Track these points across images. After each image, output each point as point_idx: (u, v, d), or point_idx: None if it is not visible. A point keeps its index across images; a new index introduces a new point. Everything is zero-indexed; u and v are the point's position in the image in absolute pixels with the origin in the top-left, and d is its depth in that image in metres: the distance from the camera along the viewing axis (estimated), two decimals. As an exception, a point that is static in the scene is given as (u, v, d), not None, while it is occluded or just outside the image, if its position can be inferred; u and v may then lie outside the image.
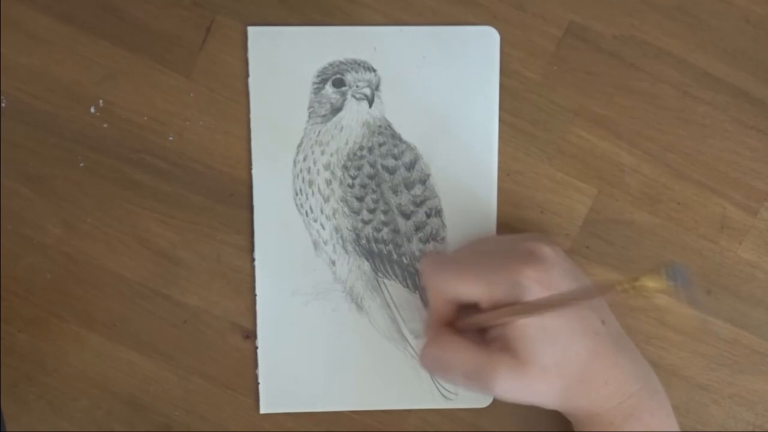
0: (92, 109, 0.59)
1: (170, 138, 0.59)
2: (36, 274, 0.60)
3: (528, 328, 0.50)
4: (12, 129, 0.59)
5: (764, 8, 0.59)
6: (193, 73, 0.59)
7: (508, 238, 0.58)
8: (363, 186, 0.59)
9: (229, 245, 0.60)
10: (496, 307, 0.51)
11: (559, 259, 0.52)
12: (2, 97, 0.59)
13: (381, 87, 0.59)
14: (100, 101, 0.59)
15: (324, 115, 0.59)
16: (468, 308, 0.54)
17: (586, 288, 0.51)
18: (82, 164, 0.60)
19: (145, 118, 0.59)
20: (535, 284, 0.50)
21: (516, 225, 0.60)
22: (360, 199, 0.59)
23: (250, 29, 0.58)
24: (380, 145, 0.59)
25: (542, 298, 0.49)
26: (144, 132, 0.59)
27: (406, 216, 0.60)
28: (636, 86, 0.59)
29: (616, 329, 0.55)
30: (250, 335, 0.61)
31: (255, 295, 0.60)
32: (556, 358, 0.51)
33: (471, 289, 0.52)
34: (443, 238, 0.60)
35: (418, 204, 0.60)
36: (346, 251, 0.60)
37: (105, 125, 0.59)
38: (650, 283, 0.42)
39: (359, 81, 0.59)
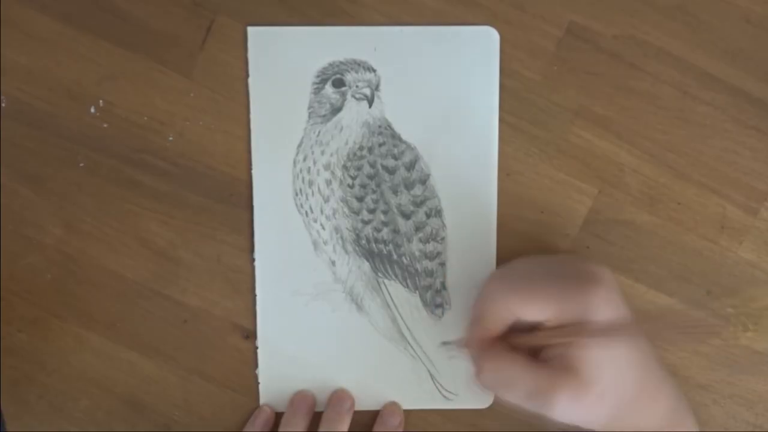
0: (92, 109, 0.59)
1: (170, 138, 0.59)
2: (36, 274, 0.60)
3: (592, 349, 0.50)
4: (12, 129, 0.59)
5: (764, 8, 0.59)
6: (193, 73, 0.59)
7: (563, 259, 0.58)
8: (363, 186, 0.59)
9: (229, 245, 0.60)
10: (560, 326, 0.51)
11: (614, 280, 0.53)
12: (2, 97, 0.59)
13: (381, 87, 0.59)
14: (100, 101, 0.59)
15: (324, 115, 0.59)
16: (518, 326, 0.54)
17: (667, 320, 0.51)
18: (82, 164, 0.60)
19: (145, 118, 0.59)
20: (604, 304, 0.50)
21: (516, 225, 0.60)
22: (360, 200, 0.59)
23: (250, 29, 0.58)
24: (380, 145, 0.59)
25: (611, 322, 0.50)
26: (144, 132, 0.59)
27: (406, 216, 0.60)
28: (636, 86, 0.59)
29: (654, 350, 0.55)
30: (250, 335, 0.61)
31: (255, 295, 0.60)
32: (615, 380, 0.50)
33: (542, 310, 0.51)
34: (443, 238, 0.60)
35: (418, 204, 0.60)
36: (346, 251, 0.60)
37: (105, 125, 0.59)
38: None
39: (359, 81, 0.59)
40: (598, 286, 0.50)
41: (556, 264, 0.55)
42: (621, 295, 0.52)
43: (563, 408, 0.50)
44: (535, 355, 0.53)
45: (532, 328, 0.53)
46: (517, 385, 0.52)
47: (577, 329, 0.50)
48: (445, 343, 0.61)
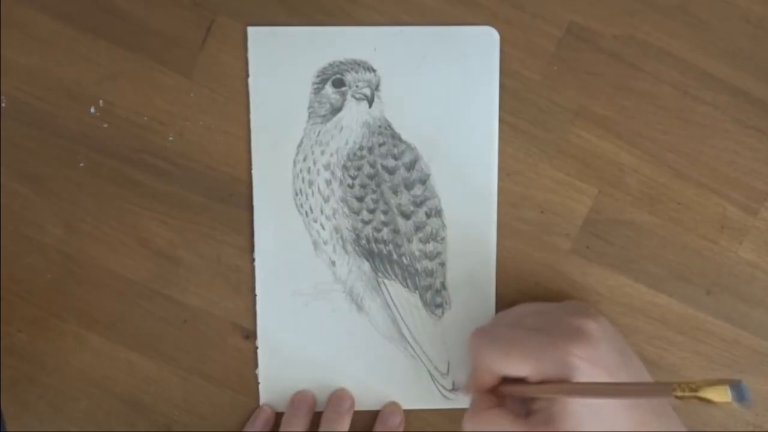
0: (92, 109, 0.59)
1: (170, 138, 0.59)
2: (36, 274, 0.60)
3: (573, 404, 0.50)
4: (12, 129, 0.59)
5: (764, 8, 0.59)
6: (193, 73, 0.59)
7: (554, 307, 0.58)
8: (363, 186, 0.59)
9: (229, 245, 0.60)
10: (544, 381, 0.51)
11: (605, 332, 0.53)
12: (2, 97, 0.59)
13: (381, 87, 0.59)
14: (100, 101, 0.59)
15: (324, 115, 0.59)
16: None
17: (641, 386, 0.50)
18: (82, 164, 0.60)
19: (145, 118, 0.59)
20: (583, 362, 0.49)
21: (516, 225, 0.60)
22: (360, 200, 0.59)
23: (250, 29, 0.58)
24: (380, 145, 0.59)
25: (592, 384, 0.49)
26: (144, 132, 0.59)
27: (406, 216, 0.60)
28: (636, 86, 0.59)
29: (659, 400, 0.55)
30: (250, 335, 0.61)
31: (255, 295, 0.60)
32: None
33: (519, 367, 0.52)
34: (443, 238, 0.60)
35: (418, 204, 0.60)
36: (346, 251, 0.60)
37: (105, 125, 0.59)
38: (713, 397, 0.41)
39: (359, 81, 0.59)
40: (574, 344, 0.50)
41: (540, 318, 0.56)
42: (615, 344, 0.53)
43: None
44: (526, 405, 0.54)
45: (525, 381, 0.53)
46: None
47: (557, 387, 0.50)
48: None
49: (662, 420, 0.53)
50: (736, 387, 0.41)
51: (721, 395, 0.41)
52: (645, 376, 0.55)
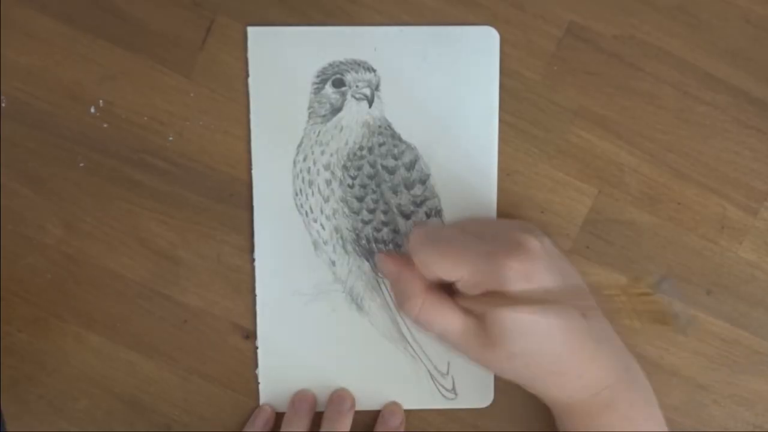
0: (92, 109, 0.59)
1: (170, 138, 0.59)
2: (36, 274, 0.60)
3: (504, 318, 0.50)
4: (12, 129, 0.59)
5: (764, 8, 0.59)
6: (193, 73, 0.59)
7: (500, 223, 0.58)
8: (363, 186, 0.59)
9: (229, 245, 0.60)
10: (474, 289, 0.51)
11: (546, 252, 0.52)
12: (2, 97, 0.59)
13: (381, 87, 0.59)
14: (100, 101, 0.59)
15: (324, 116, 0.59)
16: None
17: (569, 289, 0.51)
18: (82, 164, 0.60)
19: (145, 118, 0.59)
20: (517, 275, 0.49)
21: (516, 225, 0.60)
22: (360, 200, 0.59)
23: (250, 29, 0.58)
24: (380, 145, 0.59)
25: (523, 293, 0.49)
26: (144, 132, 0.59)
27: (406, 216, 0.60)
28: (636, 86, 0.59)
29: (599, 324, 0.55)
30: (250, 335, 0.61)
31: (255, 295, 0.60)
32: (527, 349, 0.51)
33: (453, 270, 0.51)
34: (443, 238, 0.60)
35: (418, 204, 0.60)
36: (346, 251, 0.60)
37: (105, 125, 0.59)
38: (639, 291, 0.41)
39: (359, 81, 0.59)
40: (511, 257, 0.49)
41: (484, 227, 0.55)
42: (556, 266, 0.52)
43: (470, 356, 0.53)
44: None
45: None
46: (433, 326, 0.53)
47: (487, 300, 0.50)
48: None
49: (600, 343, 0.53)
50: (663, 281, 0.40)
51: (647, 290, 0.40)
52: (589, 300, 0.55)
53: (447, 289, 0.53)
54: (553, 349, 0.51)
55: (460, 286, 0.51)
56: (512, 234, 0.52)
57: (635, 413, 0.54)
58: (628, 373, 0.55)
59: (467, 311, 0.52)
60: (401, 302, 0.54)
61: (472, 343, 0.52)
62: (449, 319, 0.52)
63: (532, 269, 0.49)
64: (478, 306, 0.51)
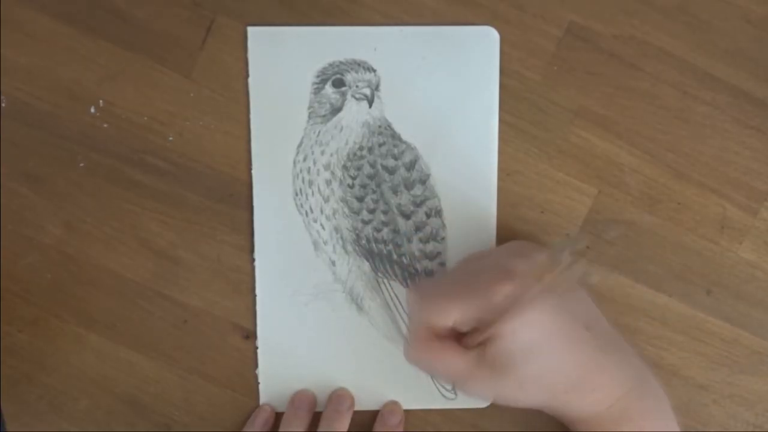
0: (92, 109, 0.59)
1: (170, 138, 0.59)
2: (36, 274, 0.60)
3: (504, 342, 0.50)
4: (12, 129, 0.59)
5: (764, 8, 0.59)
6: (193, 73, 0.59)
7: (493, 251, 0.58)
8: (363, 186, 0.59)
9: (229, 245, 0.60)
10: (474, 324, 0.51)
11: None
12: (2, 97, 0.59)
13: (381, 87, 0.59)
14: (100, 101, 0.59)
15: (324, 116, 0.59)
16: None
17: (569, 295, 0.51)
18: (82, 164, 0.60)
19: (145, 118, 0.59)
20: (507, 300, 0.49)
21: (516, 225, 0.60)
22: (360, 200, 0.59)
23: (250, 29, 0.58)
24: (380, 145, 0.59)
25: (503, 301, 0.49)
26: (144, 132, 0.59)
27: (406, 216, 0.60)
28: (636, 86, 0.59)
29: (604, 332, 0.55)
30: (250, 335, 0.61)
31: (255, 295, 0.60)
32: (534, 371, 0.51)
33: (444, 314, 0.51)
34: (443, 238, 0.60)
35: (418, 204, 0.60)
36: (346, 251, 0.60)
37: (105, 125, 0.59)
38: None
39: (359, 81, 0.59)
40: (500, 284, 0.50)
41: (483, 260, 0.55)
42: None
43: (482, 393, 0.53)
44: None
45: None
46: (439, 369, 0.53)
47: (486, 330, 0.50)
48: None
49: (608, 353, 0.53)
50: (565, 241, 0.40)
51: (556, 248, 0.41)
52: (598, 321, 0.55)
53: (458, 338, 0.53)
54: (561, 364, 0.51)
55: (460, 327, 0.52)
56: (499, 260, 0.52)
57: (649, 423, 0.54)
58: (640, 382, 0.54)
59: (468, 349, 0.52)
60: (406, 348, 0.55)
61: (481, 378, 0.52)
62: (449, 356, 0.52)
63: (522, 291, 0.49)
64: (478, 337, 0.51)
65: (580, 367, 0.52)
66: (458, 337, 0.53)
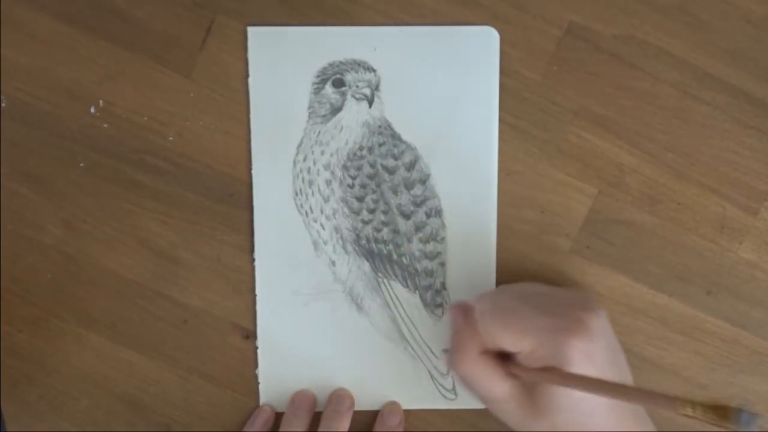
0: (92, 109, 0.59)
1: (170, 138, 0.59)
2: (36, 274, 0.60)
3: (555, 392, 0.50)
4: (12, 129, 0.59)
5: (764, 8, 0.59)
6: (193, 73, 0.59)
7: (561, 295, 0.57)
8: (363, 186, 0.59)
9: (229, 245, 0.60)
10: (531, 361, 0.51)
11: (604, 328, 0.52)
12: (2, 97, 0.59)
13: (381, 87, 0.59)
14: (100, 101, 0.59)
15: (324, 116, 0.59)
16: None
17: (643, 392, 0.49)
18: (82, 164, 0.60)
19: (145, 118, 0.59)
20: (579, 355, 0.49)
21: (516, 225, 0.60)
22: (360, 200, 0.59)
23: (250, 29, 0.58)
24: (380, 145, 0.59)
25: (586, 378, 0.49)
26: (144, 132, 0.59)
27: (406, 216, 0.60)
28: (636, 86, 0.59)
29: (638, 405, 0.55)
30: (250, 335, 0.61)
31: (255, 295, 0.60)
32: (572, 422, 0.51)
33: (516, 343, 0.52)
34: (443, 238, 0.60)
35: (418, 204, 0.60)
36: (346, 251, 0.60)
37: (105, 125, 0.59)
38: (719, 418, 0.40)
39: (359, 81, 0.59)
40: (578, 338, 0.50)
41: (548, 298, 0.55)
42: (609, 347, 0.52)
43: (508, 421, 0.54)
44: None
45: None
46: (476, 386, 0.54)
47: (546, 376, 0.50)
48: (445, 351, 0.61)
49: (640, 422, 0.53)
50: (746, 416, 0.40)
51: (726, 420, 0.40)
52: (628, 376, 0.55)
53: (502, 354, 0.54)
54: (597, 425, 0.51)
55: (520, 358, 0.52)
56: (575, 310, 0.52)
57: None
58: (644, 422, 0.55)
59: (514, 378, 0.53)
60: (452, 354, 0.55)
61: (515, 411, 0.53)
62: (496, 383, 0.53)
63: (593, 349, 0.50)
64: (533, 377, 0.52)
65: (616, 427, 0.52)
66: (503, 356, 0.54)
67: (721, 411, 0.40)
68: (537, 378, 0.51)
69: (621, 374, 0.53)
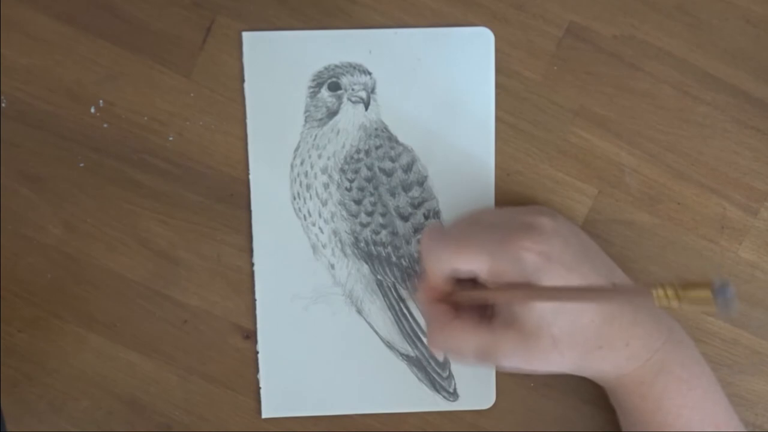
0: (92, 109, 0.59)
1: (170, 138, 0.60)
2: (36, 274, 0.61)
3: (534, 304, 0.49)
4: (12, 129, 0.59)
5: (764, 8, 0.58)
6: (193, 73, 0.59)
7: (511, 210, 0.57)
8: (360, 189, 0.59)
9: (229, 245, 0.60)
10: (496, 280, 0.50)
11: (562, 230, 0.51)
12: (2, 97, 0.59)
13: (377, 90, 0.59)
14: (100, 101, 0.59)
15: (320, 119, 0.59)
16: (464, 282, 0.53)
17: (611, 290, 0.49)
18: (82, 164, 0.60)
19: (145, 118, 0.59)
20: (536, 256, 0.48)
21: (515, 225, 0.60)
22: (358, 202, 0.59)
23: (245, 34, 0.58)
24: (377, 147, 0.59)
25: (554, 288, 0.48)
26: (144, 132, 0.60)
27: (405, 218, 0.60)
28: (636, 86, 0.59)
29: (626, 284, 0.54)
30: (250, 335, 0.61)
31: (255, 298, 0.60)
32: (566, 328, 0.50)
33: (470, 262, 0.50)
34: (442, 239, 0.60)
35: (416, 206, 0.60)
36: (345, 254, 0.60)
37: (105, 125, 0.59)
38: (696, 294, 0.39)
39: (355, 84, 0.59)
40: (527, 240, 0.49)
41: (493, 216, 0.55)
42: (579, 246, 0.52)
43: (513, 362, 0.51)
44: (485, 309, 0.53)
45: (476, 284, 0.52)
46: (464, 351, 0.52)
47: (514, 293, 0.50)
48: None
49: (641, 309, 0.53)
50: (722, 286, 0.38)
51: (704, 295, 0.38)
52: (616, 273, 0.54)
53: (477, 310, 0.53)
54: (592, 320, 0.50)
55: (481, 278, 0.51)
56: (523, 217, 0.52)
57: (688, 373, 0.54)
58: (673, 333, 0.54)
59: (493, 324, 0.52)
60: (429, 334, 0.54)
61: (511, 346, 0.50)
62: (472, 331, 0.51)
63: (548, 248, 0.49)
64: (507, 297, 0.51)
65: (610, 321, 0.51)
66: (478, 311, 0.53)
67: (694, 288, 0.39)
68: (509, 296, 0.50)
69: (596, 271, 0.52)
